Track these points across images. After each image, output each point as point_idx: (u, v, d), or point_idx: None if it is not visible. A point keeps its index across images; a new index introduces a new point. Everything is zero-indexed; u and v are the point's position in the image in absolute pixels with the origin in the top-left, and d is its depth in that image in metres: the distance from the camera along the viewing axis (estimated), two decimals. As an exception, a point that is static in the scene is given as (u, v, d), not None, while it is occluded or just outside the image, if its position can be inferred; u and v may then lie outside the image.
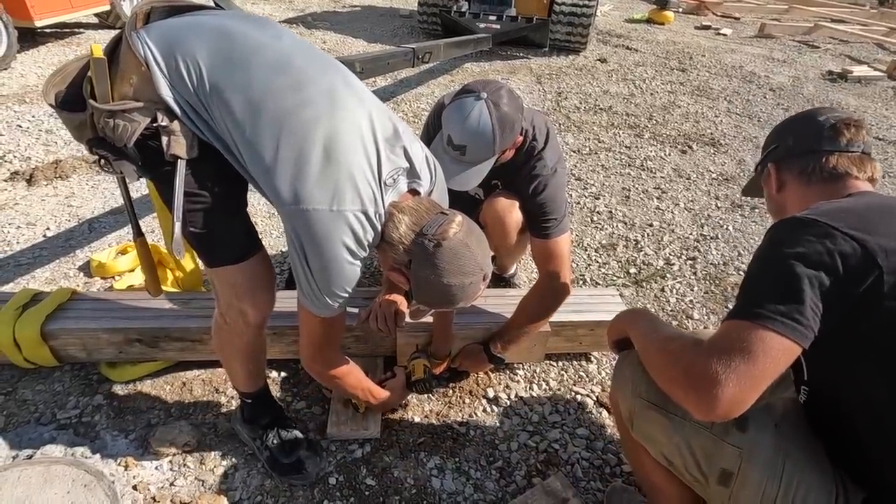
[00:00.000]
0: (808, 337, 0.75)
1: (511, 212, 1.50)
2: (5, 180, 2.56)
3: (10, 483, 1.19)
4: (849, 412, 0.83)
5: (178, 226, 0.96)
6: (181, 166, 0.95)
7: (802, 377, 0.89)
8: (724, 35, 7.08)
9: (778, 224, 0.85)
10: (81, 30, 5.43)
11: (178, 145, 0.94)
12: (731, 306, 1.35)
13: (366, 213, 0.97)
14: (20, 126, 3.16)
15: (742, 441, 0.87)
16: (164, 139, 0.93)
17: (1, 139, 2.97)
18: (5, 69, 4.12)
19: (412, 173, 1.07)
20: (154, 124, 0.92)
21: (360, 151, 0.97)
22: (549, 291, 1.46)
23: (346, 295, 1.05)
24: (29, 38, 4.64)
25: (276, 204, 0.97)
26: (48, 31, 5.01)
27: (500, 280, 2.01)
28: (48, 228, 2.23)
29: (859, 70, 5.45)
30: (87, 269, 1.98)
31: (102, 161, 0.97)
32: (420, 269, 1.00)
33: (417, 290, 1.04)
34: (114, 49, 0.96)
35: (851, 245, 0.74)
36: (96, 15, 5.33)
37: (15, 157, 2.79)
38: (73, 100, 0.97)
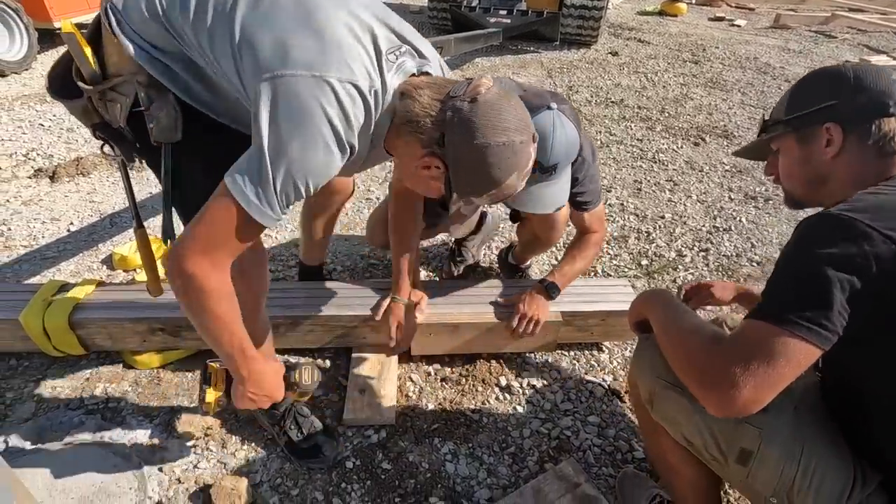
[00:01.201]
0: (831, 341, 0.74)
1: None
2: (30, 177, 2.64)
3: (43, 464, 1.24)
4: (860, 400, 0.84)
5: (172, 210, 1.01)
6: (166, 152, 0.96)
7: (816, 364, 0.90)
8: (739, 26, 6.98)
9: (812, 222, 0.79)
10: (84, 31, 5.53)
11: (160, 130, 0.93)
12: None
13: (356, 86, 0.83)
14: (42, 125, 3.24)
15: (762, 422, 0.87)
16: (149, 126, 0.93)
17: (24, 138, 3.06)
18: (27, 69, 4.22)
19: (419, 55, 0.96)
20: (137, 108, 0.94)
21: (348, 21, 0.86)
22: (593, 242, 1.61)
23: (298, 198, 0.86)
24: (48, 38, 4.73)
25: (247, 86, 0.85)
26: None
27: (516, 271, 2.03)
28: (71, 223, 2.29)
29: (877, 60, 5.34)
30: (109, 261, 2.04)
31: (105, 146, 1.01)
32: (456, 136, 0.84)
33: (457, 171, 0.87)
34: (97, 30, 0.98)
35: (889, 247, 0.71)
36: (63, 24, 5.43)
37: (38, 154, 2.87)
38: (68, 86, 1.00)
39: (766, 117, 1.02)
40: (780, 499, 0.87)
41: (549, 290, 1.58)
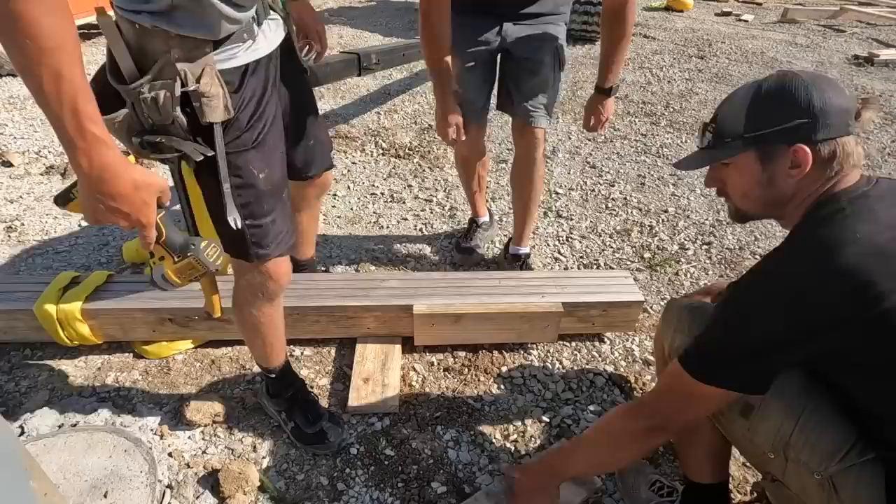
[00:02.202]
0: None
1: None
2: (42, 174, 2.69)
3: (58, 448, 1.28)
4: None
5: (231, 211, 0.94)
6: (218, 132, 0.91)
7: None
8: (746, 21, 6.93)
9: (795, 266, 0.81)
10: (91, 31, 5.61)
11: (211, 109, 0.89)
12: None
13: None
14: (53, 123, 3.30)
15: None
16: (196, 105, 0.88)
17: (36, 136, 3.11)
18: (38, 69, 4.28)
19: None
20: (184, 88, 0.87)
21: None
22: (630, 17, 1.57)
23: None
24: (59, 38, 4.79)
25: None
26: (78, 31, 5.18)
27: (516, 259, 2.05)
28: (82, 218, 2.34)
29: (887, 53, 5.28)
30: (119, 255, 2.09)
31: (157, 152, 0.91)
32: None
33: None
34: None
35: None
36: (97, 10, 5.48)
37: (49, 152, 2.92)
38: (105, 98, 0.87)
39: (713, 124, 0.95)
40: (777, 454, 0.89)
41: (611, 92, 1.68)
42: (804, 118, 0.83)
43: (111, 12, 0.88)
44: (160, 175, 0.85)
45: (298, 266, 1.82)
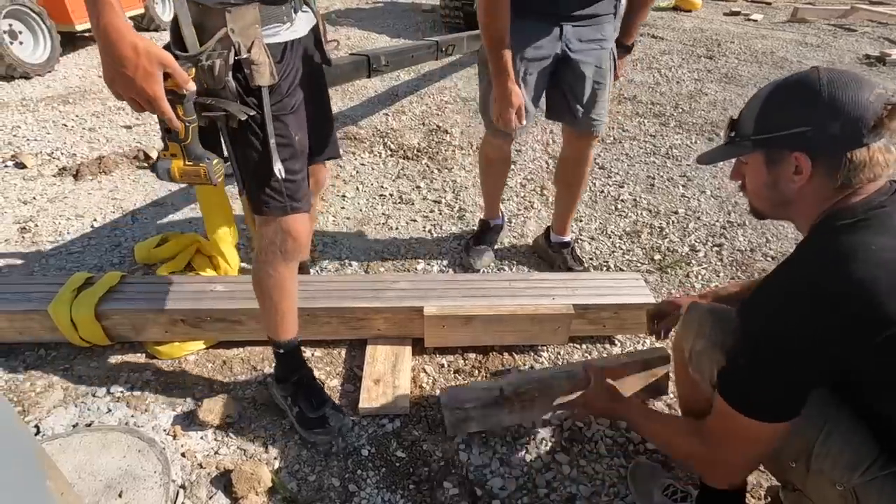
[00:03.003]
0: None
1: None
2: (54, 175, 2.72)
3: (73, 448, 1.29)
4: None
5: (276, 162, 1.10)
6: (265, 94, 1.07)
7: None
8: (755, 21, 6.89)
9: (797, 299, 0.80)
10: (118, 32, 5.66)
11: (259, 74, 1.05)
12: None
13: None
14: (65, 125, 3.34)
15: None
16: (247, 71, 1.04)
17: (48, 137, 3.15)
18: (50, 72, 4.34)
19: None
20: (237, 57, 1.02)
21: None
22: None
23: None
24: (70, 41, 4.85)
25: None
26: (87, 34, 5.24)
27: (563, 246, 2.08)
28: (95, 219, 2.36)
29: (899, 53, 5.23)
30: (131, 256, 2.10)
31: (206, 111, 1.04)
32: None
33: None
34: (176, 26, 1.04)
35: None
36: (131, 18, 5.54)
37: (62, 153, 2.96)
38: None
39: (735, 119, 0.96)
40: (798, 463, 0.88)
41: (630, 49, 1.74)
42: (806, 126, 0.82)
43: None
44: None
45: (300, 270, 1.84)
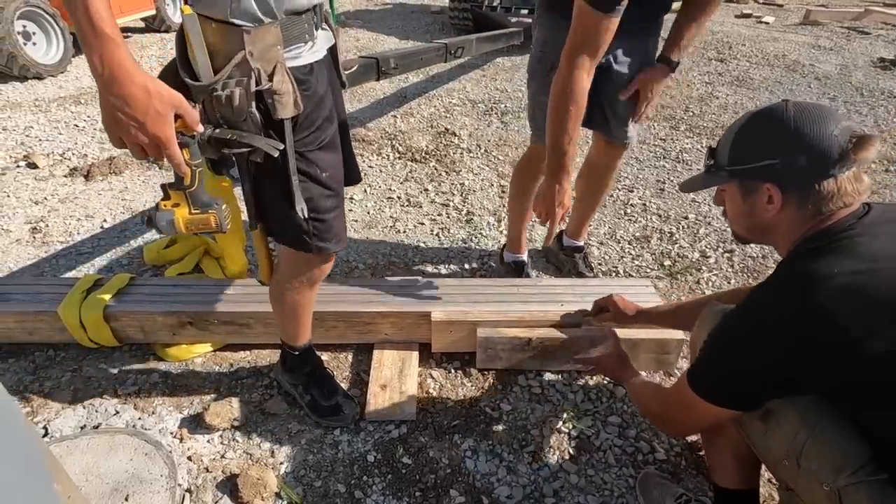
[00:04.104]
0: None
1: None
2: (65, 176, 2.74)
3: (81, 450, 1.30)
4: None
5: (299, 201, 1.01)
6: (288, 128, 0.95)
7: None
8: (766, 23, 6.83)
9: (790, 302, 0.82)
10: (129, 34, 5.71)
11: (282, 105, 0.93)
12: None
13: None
14: (77, 125, 3.37)
15: None
16: (269, 101, 0.91)
17: (60, 138, 3.18)
18: (62, 72, 4.39)
19: None
20: (258, 87, 0.90)
21: None
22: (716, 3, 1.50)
23: None
24: (82, 42, 4.89)
25: None
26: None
27: (576, 251, 2.05)
28: (105, 220, 2.38)
29: (914, 56, 5.16)
30: (140, 257, 2.11)
31: (225, 147, 0.93)
32: None
33: None
34: (183, 47, 0.93)
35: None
36: (143, 20, 5.59)
37: (73, 154, 2.98)
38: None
39: (713, 147, 1.00)
40: (790, 461, 0.90)
41: (675, 66, 1.56)
42: (774, 159, 0.87)
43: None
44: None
45: None
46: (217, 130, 0.92)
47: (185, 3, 0.91)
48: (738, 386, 0.90)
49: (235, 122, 0.93)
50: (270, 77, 0.91)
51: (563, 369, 1.60)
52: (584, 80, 1.29)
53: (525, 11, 5.19)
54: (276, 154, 0.96)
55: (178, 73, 0.92)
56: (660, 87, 1.60)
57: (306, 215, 1.05)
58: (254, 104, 0.92)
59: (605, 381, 1.61)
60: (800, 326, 0.80)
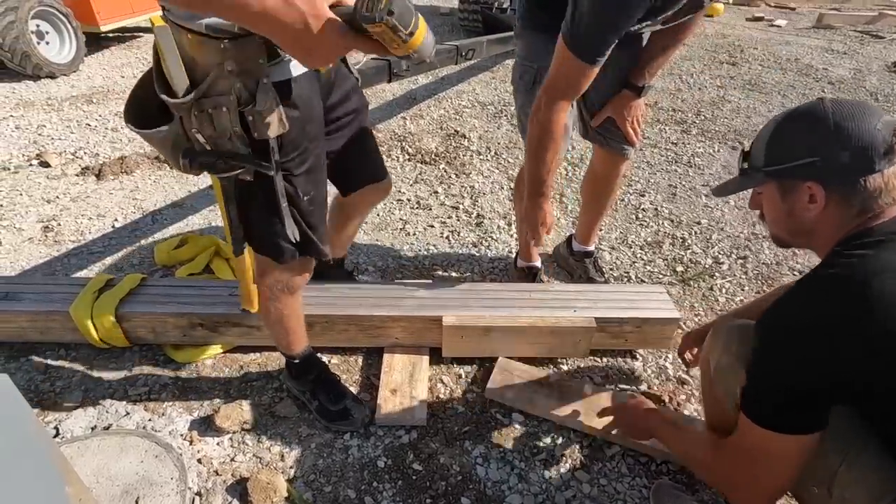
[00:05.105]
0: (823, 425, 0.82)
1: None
2: (77, 175, 2.76)
3: (91, 451, 1.30)
4: None
5: (290, 226, 0.99)
6: (273, 148, 0.90)
7: None
8: (778, 26, 6.76)
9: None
10: (140, 33, 5.75)
11: (265, 125, 0.86)
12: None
13: None
14: (89, 125, 3.39)
15: None
16: (250, 120, 0.85)
17: (72, 137, 3.20)
18: (75, 72, 4.42)
19: None
20: (240, 108, 0.85)
21: None
22: (686, 37, 1.47)
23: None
24: (94, 42, 4.93)
25: None
26: (111, 35, 5.33)
27: (586, 256, 2.03)
28: (116, 219, 2.38)
29: (929, 61, 5.09)
30: (150, 257, 2.11)
31: (211, 171, 0.91)
32: None
33: None
34: (158, 61, 0.87)
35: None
36: (152, 20, 5.62)
37: (85, 153, 3.00)
38: (149, 114, 0.88)
39: (747, 150, 0.97)
40: (820, 488, 0.86)
41: (642, 91, 1.53)
42: (815, 157, 0.84)
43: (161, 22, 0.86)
44: None
45: (335, 264, 1.84)
46: (202, 158, 0.88)
47: (162, 14, 0.84)
48: (798, 399, 0.81)
49: (217, 141, 0.87)
50: (253, 94, 0.85)
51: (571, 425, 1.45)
52: (563, 118, 1.31)
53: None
54: (272, 173, 0.92)
55: (153, 86, 0.87)
56: (634, 108, 1.58)
57: (297, 239, 1.05)
58: (239, 123, 0.87)
59: (619, 387, 1.59)
60: (859, 319, 0.74)
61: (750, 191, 1.02)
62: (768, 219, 0.98)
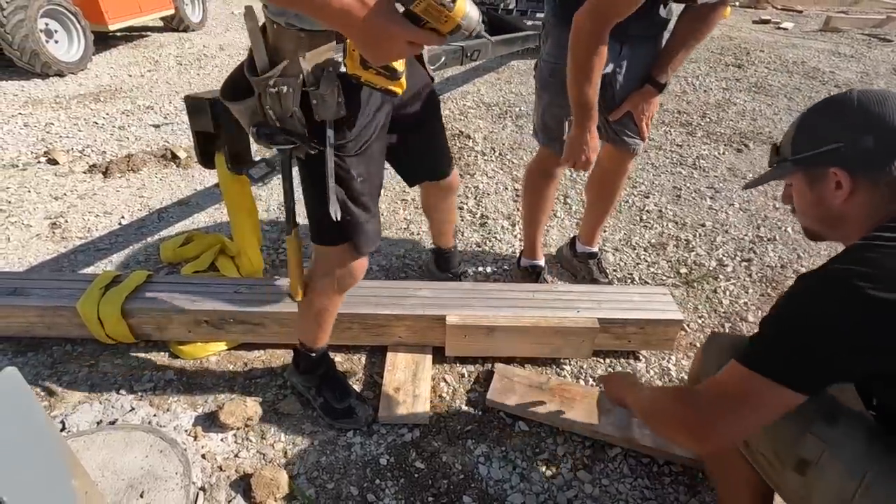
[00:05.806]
0: (810, 388, 0.77)
1: None
2: (84, 172, 2.78)
3: (97, 445, 1.31)
4: None
5: (333, 203, 1.04)
6: (329, 130, 1.01)
7: (871, 402, 0.88)
8: (785, 29, 6.75)
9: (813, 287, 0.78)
10: (148, 33, 5.78)
11: (324, 108, 0.98)
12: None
13: None
14: (96, 123, 3.41)
15: (828, 434, 0.85)
16: (313, 103, 0.98)
17: (80, 135, 3.22)
18: (83, 70, 4.45)
19: None
20: (304, 88, 0.97)
21: None
22: (710, 27, 1.48)
23: None
24: (102, 41, 4.97)
25: None
26: (119, 34, 5.37)
27: (590, 257, 2.04)
28: (122, 217, 2.40)
29: (937, 64, 5.06)
30: (156, 254, 2.13)
31: (270, 141, 1.02)
32: None
33: None
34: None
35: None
36: (161, 19, 5.66)
37: (92, 151, 3.02)
38: (238, 87, 1.02)
39: (777, 144, 0.97)
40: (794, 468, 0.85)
41: (664, 88, 1.57)
42: (839, 142, 0.83)
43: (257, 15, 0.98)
44: None
45: (443, 254, 1.93)
46: (263, 128, 1.00)
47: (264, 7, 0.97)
48: (815, 361, 0.76)
49: (282, 117, 1.00)
50: (317, 79, 0.97)
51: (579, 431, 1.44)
52: (606, 38, 1.31)
53: (541, 15, 5.17)
54: (316, 151, 1.02)
55: (241, 73, 1.02)
56: (652, 105, 1.63)
57: (338, 217, 1.09)
58: (298, 104, 0.98)
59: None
60: (884, 307, 0.70)
61: (764, 191, 1.02)
62: (798, 210, 0.96)
